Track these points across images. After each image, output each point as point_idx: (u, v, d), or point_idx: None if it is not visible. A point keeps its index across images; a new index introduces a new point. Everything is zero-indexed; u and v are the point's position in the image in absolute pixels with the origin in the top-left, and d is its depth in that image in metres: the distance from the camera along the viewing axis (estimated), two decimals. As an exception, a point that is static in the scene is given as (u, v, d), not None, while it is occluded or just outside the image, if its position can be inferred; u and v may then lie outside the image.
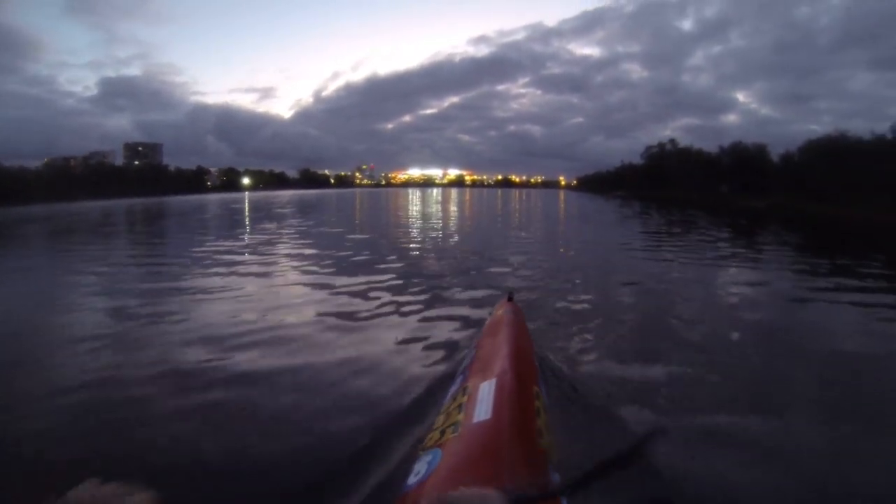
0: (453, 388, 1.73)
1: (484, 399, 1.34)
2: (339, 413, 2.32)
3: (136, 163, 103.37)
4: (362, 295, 4.73)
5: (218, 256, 7.49)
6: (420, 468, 1.15)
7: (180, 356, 3.15)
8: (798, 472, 1.88)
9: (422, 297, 4.59)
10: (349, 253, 7.78)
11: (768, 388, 2.66)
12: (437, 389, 2.23)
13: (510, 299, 2.59)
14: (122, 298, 4.79)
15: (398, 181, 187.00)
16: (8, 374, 3.00)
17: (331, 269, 6.28)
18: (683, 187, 47.27)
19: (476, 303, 4.31)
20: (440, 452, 1.16)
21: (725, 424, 2.18)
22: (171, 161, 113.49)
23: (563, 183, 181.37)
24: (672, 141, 69.00)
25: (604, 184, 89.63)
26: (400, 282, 5.36)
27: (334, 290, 4.96)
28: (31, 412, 2.44)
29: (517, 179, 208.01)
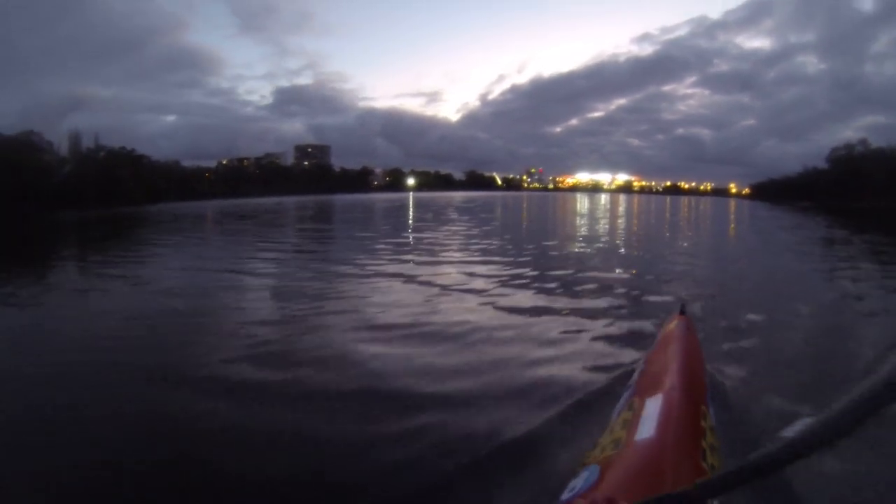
0: (620, 404, 1.72)
1: (649, 416, 1.31)
2: (501, 412, 2.36)
3: (306, 163, 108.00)
4: (530, 300, 4.86)
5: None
6: (576, 484, 1.15)
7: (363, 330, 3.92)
8: None
9: (590, 304, 4.66)
10: (513, 258, 7.98)
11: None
12: (604, 403, 2.19)
13: (682, 312, 2.49)
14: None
15: (566, 185, 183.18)
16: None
17: (496, 275, 6.40)
18: (887, 196, 40.20)
19: (648, 314, 4.23)
20: (598, 469, 1.15)
21: None
22: (340, 162, 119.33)
23: (733, 190, 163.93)
24: (863, 141, 59.51)
25: (783, 192, 79.37)
26: (567, 291, 5.38)
27: (502, 296, 5.13)
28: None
29: (686, 186, 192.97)
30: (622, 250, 9.49)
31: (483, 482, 1.83)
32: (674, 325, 2.25)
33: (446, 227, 14.67)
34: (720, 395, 2.35)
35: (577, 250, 9.34)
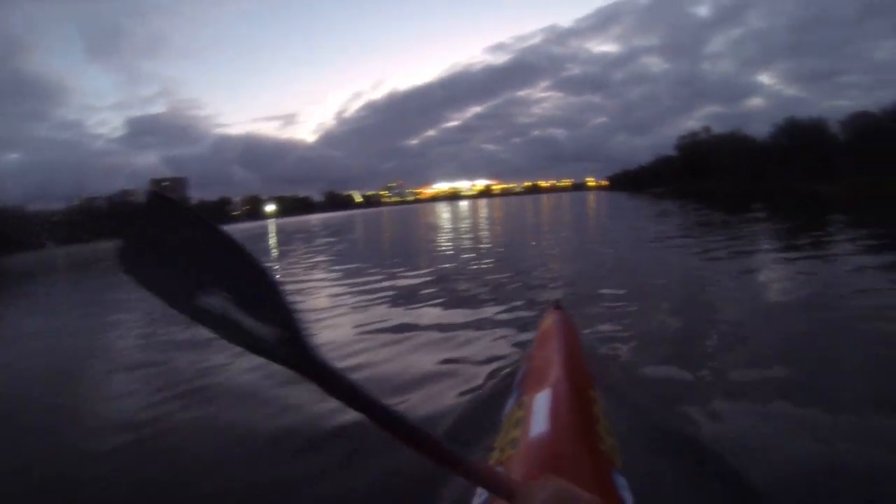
0: (510, 404, 1.62)
1: (540, 411, 1.28)
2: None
3: None
4: (400, 318, 4.40)
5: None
6: (482, 490, 1.02)
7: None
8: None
9: (462, 312, 4.36)
10: (379, 277, 7.11)
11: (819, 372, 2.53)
12: (493, 407, 1.98)
13: (558, 307, 2.41)
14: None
15: (426, 196, 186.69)
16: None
17: (360, 292, 5.96)
18: (730, 176, 42.22)
19: (523, 316, 4.01)
20: (502, 471, 1.01)
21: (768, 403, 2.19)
22: (198, 193, 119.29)
23: (592, 184, 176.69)
24: (706, 128, 64.23)
25: (638, 181, 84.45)
26: (437, 301, 5.01)
27: (369, 311, 4.85)
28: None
29: (545, 184, 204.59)
30: (487, 257, 8.71)
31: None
32: (551, 320, 2.24)
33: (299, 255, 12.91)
34: (606, 379, 2.32)
35: (441, 263, 8.32)
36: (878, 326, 3.16)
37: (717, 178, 45.14)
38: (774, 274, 5.37)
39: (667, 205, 22.66)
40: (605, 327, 3.52)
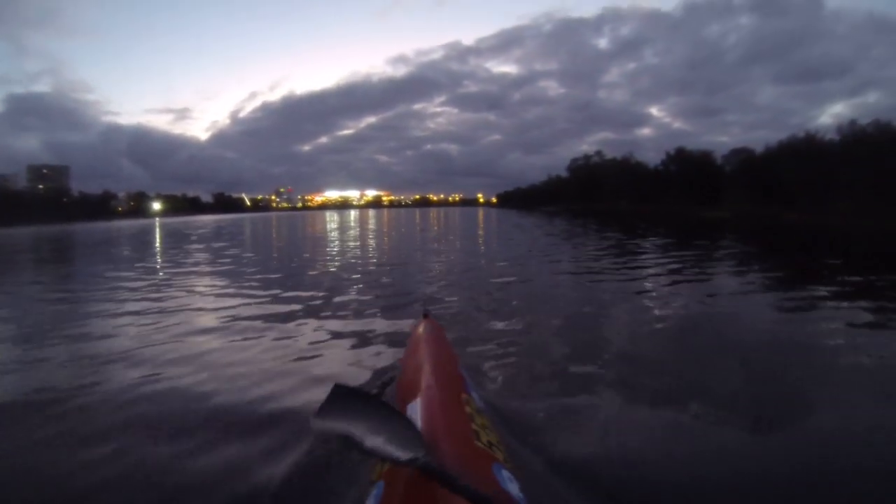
0: None
1: (413, 418, 1.24)
2: (266, 458, 1.93)
3: (41, 186, 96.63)
4: (280, 328, 4.06)
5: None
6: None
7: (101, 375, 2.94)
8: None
9: (338, 325, 4.14)
10: (261, 283, 6.43)
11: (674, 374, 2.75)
12: None
13: (426, 315, 2.46)
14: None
15: (315, 203, 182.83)
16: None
17: (240, 297, 5.40)
18: (623, 199, 44.44)
19: (396, 325, 3.95)
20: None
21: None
22: (81, 185, 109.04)
23: (481, 200, 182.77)
24: (599, 152, 68.25)
25: (530, 199, 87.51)
26: (316, 309, 4.71)
27: (246, 318, 4.39)
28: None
29: (435, 198, 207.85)
30: (371, 266, 8.37)
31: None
32: (421, 328, 2.23)
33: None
34: (481, 381, 2.48)
35: (327, 270, 7.95)
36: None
37: (608, 199, 47.38)
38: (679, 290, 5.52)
39: (561, 223, 22.18)
40: (481, 331, 3.64)
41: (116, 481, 1.81)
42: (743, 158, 35.19)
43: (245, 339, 3.64)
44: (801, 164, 24.89)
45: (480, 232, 17.90)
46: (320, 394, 2.58)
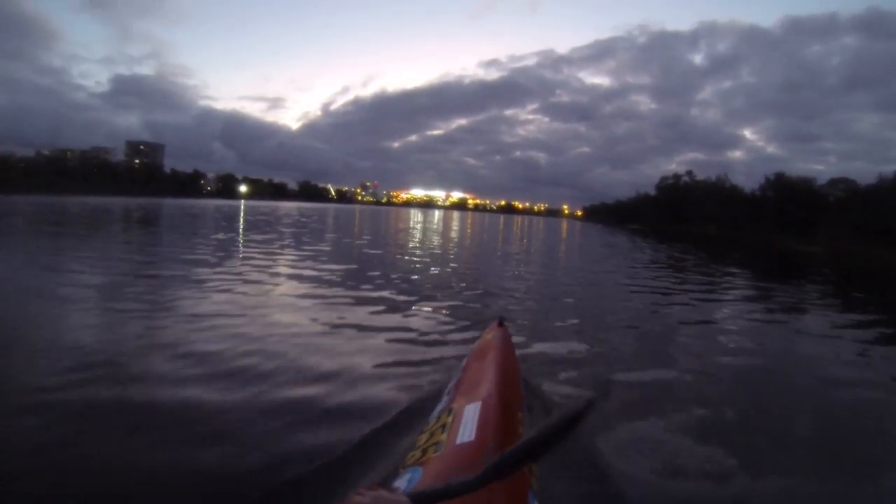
0: (438, 409, 1.69)
1: (468, 421, 1.31)
2: (320, 426, 2.23)
3: (137, 162, 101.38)
4: (354, 316, 4.35)
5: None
6: (400, 485, 1.14)
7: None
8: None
9: (414, 320, 4.35)
10: (342, 276, 6.73)
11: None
12: (422, 409, 2.13)
13: (501, 324, 2.41)
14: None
15: (400, 200, 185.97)
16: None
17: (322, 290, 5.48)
18: (712, 223, 43.06)
19: (468, 326, 4.14)
20: (421, 471, 1.15)
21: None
22: (174, 163, 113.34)
23: (566, 212, 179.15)
24: (689, 172, 65.76)
25: (614, 214, 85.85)
26: (394, 303, 4.98)
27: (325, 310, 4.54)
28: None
29: (520, 206, 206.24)
30: (453, 270, 8.56)
31: (308, 497, 1.74)
32: (492, 335, 2.26)
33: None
34: (536, 401, 2.46)
35: (405, 270, 7.98)
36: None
37: (697, 222, 45.99)
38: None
39: (662, 250, 18.59)
40: (548, 350, 3.65)
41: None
42: (847, 189, 33.29)
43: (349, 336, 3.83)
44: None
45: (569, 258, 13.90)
46: (373, 370, 2.90)
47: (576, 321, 4.72)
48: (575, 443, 2.04)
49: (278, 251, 9.16)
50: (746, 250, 21.85)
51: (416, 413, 2.21)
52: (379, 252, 10.43)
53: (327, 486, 1.76)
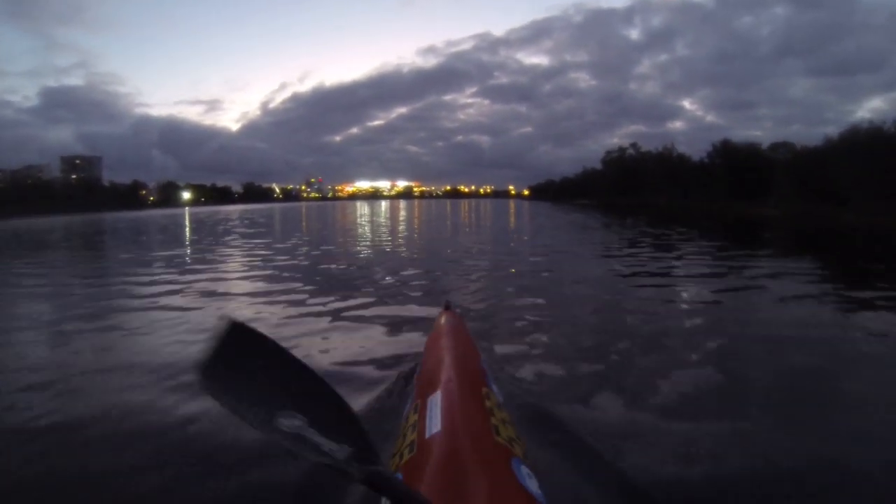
0: (406, 409, 1.64)
1: (433, 412, 1.28)
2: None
3: (73, 177, 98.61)
4: (302, 315, 4.33)
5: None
6: None
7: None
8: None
9: (364, 315, 4.27)
10: (290, 274, 6.75)
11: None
12: (392, 413, 2.04)
13: (448, 308, 2.51)
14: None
15: (345, 194, 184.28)
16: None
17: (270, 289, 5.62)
18: (663, 193, 43.08)
19: (421, 319, 3.98)
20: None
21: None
22: (113, 175, 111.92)
23: (513, 192, 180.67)
24: (634, 145, 66.30)
25: (562, 191, 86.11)
26: (343, 299, 4.89)
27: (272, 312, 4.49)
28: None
29: (466, 190, 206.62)
30: (401, 259, 8.44)
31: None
32: (442, 320, 2.28)
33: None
34: (503, 374, 2.47)
35: (351, 262, 8.05)
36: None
37: (648, 193, 46.00)
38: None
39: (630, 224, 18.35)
40: (504, 325, 3.73)
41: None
42: (789, 152, 33.67)
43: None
44: (860, 158, 23.49)
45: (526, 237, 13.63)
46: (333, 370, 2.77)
47: (541, 300, 4.70)
48: (554, 406, 2.15)
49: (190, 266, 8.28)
50: (712, 219, 21.39)
51: (387, 420, 1.98)
52: (318, 253, 9.85)
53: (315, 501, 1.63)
